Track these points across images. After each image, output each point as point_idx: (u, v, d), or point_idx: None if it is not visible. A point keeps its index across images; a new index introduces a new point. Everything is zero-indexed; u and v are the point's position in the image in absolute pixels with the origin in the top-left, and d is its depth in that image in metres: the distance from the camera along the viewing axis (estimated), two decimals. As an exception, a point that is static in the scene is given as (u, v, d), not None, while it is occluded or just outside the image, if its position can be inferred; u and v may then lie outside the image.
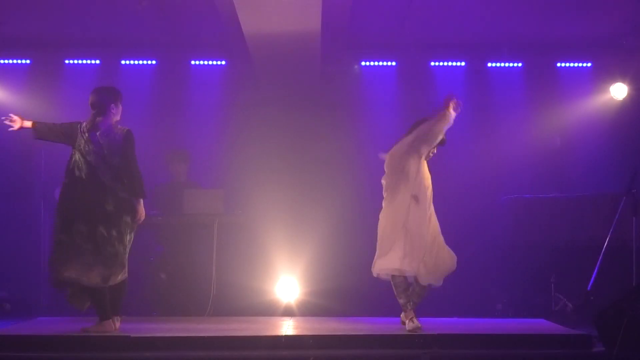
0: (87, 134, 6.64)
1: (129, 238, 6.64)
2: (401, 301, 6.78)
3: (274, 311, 8.37)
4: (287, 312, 8.39)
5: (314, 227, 9.11)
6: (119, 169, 6.58)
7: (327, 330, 6.70)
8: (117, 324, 6.60)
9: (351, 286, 8.80)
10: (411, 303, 6.73)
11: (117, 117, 6.76)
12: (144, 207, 6.71)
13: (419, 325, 6.58)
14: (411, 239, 6.66)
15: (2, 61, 9.91)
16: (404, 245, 6.65)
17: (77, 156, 6.63)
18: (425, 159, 6.85)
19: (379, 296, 8.79)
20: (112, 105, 6.71)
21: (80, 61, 9.98)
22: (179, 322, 7.27)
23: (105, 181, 6.55)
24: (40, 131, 6.73)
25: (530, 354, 6.16)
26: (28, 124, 6.75)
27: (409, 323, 6.63)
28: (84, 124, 6.71)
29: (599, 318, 6.23)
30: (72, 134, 6.69)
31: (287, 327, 7.02)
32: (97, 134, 6.64)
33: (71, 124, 6.77)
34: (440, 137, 6.74)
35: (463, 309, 8.40)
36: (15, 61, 9.92)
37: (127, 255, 6.64)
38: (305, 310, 8.41)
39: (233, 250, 8.48)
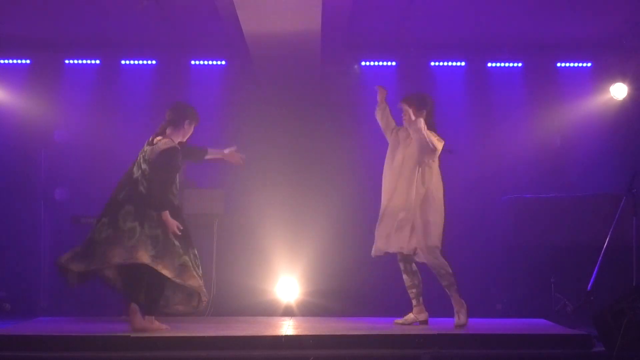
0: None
1: (130, 226, 6.56)
2: None
3: (274, 311, 8.37)
4: (287, 312, 8.39)
5: (314, 227, 9.10)
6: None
7: (327, 330, 6.70)
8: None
9: (351, 286, 8.81)
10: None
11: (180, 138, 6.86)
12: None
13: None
14: None
15: (2, 61, 9.89)
16: None
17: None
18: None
19: (379, 296, 8.81)
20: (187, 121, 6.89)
21: (80, 61, 9.97)
22: (179, 322, 7.27)
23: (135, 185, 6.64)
24: None
25: (530, 354, 6.16)
26: None
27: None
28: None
29: (598, 318, 6.24)
30: None
31: (287, 327, 7.02)
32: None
33: None
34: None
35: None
36: (15, 61, 9.91)
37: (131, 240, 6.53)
38: (305, 310, 8.40)
39: (233, 250, 8.47)
